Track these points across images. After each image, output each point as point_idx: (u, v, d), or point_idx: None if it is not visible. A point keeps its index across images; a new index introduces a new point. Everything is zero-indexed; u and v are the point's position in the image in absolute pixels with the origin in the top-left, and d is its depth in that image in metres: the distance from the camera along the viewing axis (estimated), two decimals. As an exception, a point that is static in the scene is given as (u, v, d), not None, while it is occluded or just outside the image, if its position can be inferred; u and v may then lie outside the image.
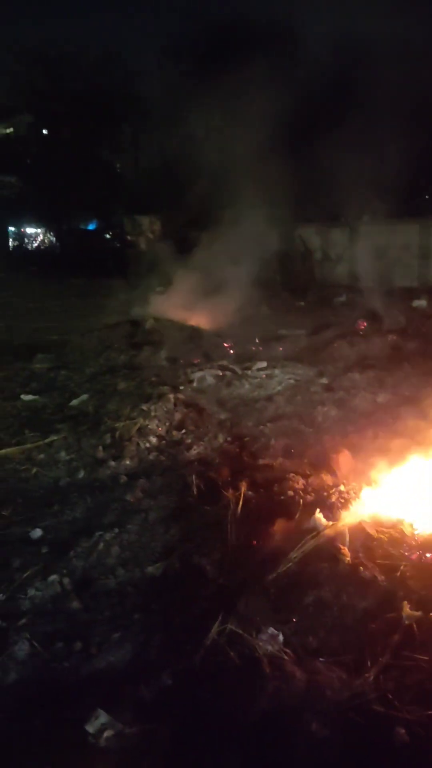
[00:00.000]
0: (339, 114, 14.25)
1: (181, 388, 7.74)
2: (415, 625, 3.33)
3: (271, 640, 3.26)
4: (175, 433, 6.41)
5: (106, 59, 29.58)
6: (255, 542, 4.13)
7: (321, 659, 3.18)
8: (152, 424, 6.47)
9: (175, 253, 14.41)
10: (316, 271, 17.43)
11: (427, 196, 16.68)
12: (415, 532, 4.07)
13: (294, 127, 13.98)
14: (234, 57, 15.51)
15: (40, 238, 37.77)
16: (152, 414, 6.65)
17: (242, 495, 4.54)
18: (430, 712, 2.85)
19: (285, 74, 14.16)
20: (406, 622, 3.35)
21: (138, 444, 6.10)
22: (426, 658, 3.13)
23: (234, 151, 14.01)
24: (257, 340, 11.18)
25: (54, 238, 34.80)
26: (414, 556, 3.88)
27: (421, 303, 14.54)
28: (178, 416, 6.71)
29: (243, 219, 14.35)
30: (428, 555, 3.89)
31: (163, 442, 6.24)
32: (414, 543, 3.99)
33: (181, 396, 7.29)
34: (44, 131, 33.40)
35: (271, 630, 3.30)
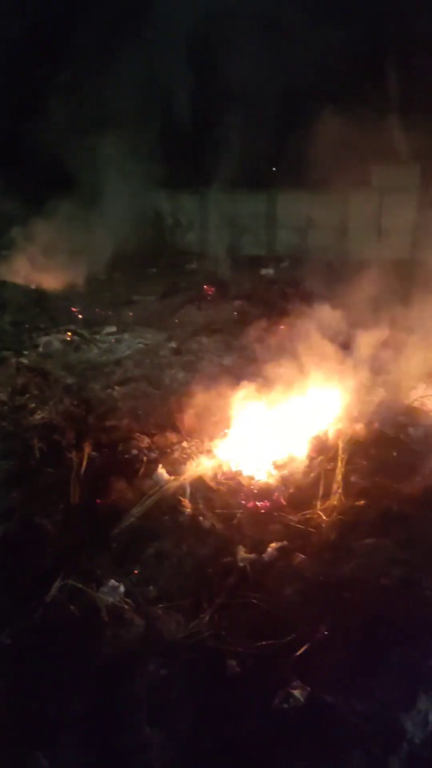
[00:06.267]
0: (197, 78, 14.16)
1: (25, 352, 7.50)
2: (248, 567, 3.57)
3: (112, 591, 3.34)
4: (18, 398, 6.22)
5: None
6: (98, 500, 4.17)
7: (160, 605, 3.32)
8: (-7, 390, 6.24)
9: (23, 213, 13.72)
10: (167, 237, 17.40)
11: (274, 168, 17.07)
12: (251, 482, 4.32)
13: (154, 88, 13.67)
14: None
15: None
16: (-7, 379, 6.41)
17: (86, 456, 4.54)
18: (259, 644, 3.09)
19: (152, 34, 13.71)
20: (241, 565, 3.58)
21: (-23, 410, 5.87)
22: (257, 595, 3.37)
23: (87, 109, 13.52)
24: (107, 305, 11.03)
25: None
26: (250, 504, 4.12)
27: (268, 271, 15.01)
28: (21, 381, 6.51)
29: (94, 181, 13.99)
30: (262, 502, 4.15)
31: (5, 407, 6.03)
32: (250, 492, 4.23)
33: (24, 361, 7.08)
34: None
35: (112, 582, 3.39)
